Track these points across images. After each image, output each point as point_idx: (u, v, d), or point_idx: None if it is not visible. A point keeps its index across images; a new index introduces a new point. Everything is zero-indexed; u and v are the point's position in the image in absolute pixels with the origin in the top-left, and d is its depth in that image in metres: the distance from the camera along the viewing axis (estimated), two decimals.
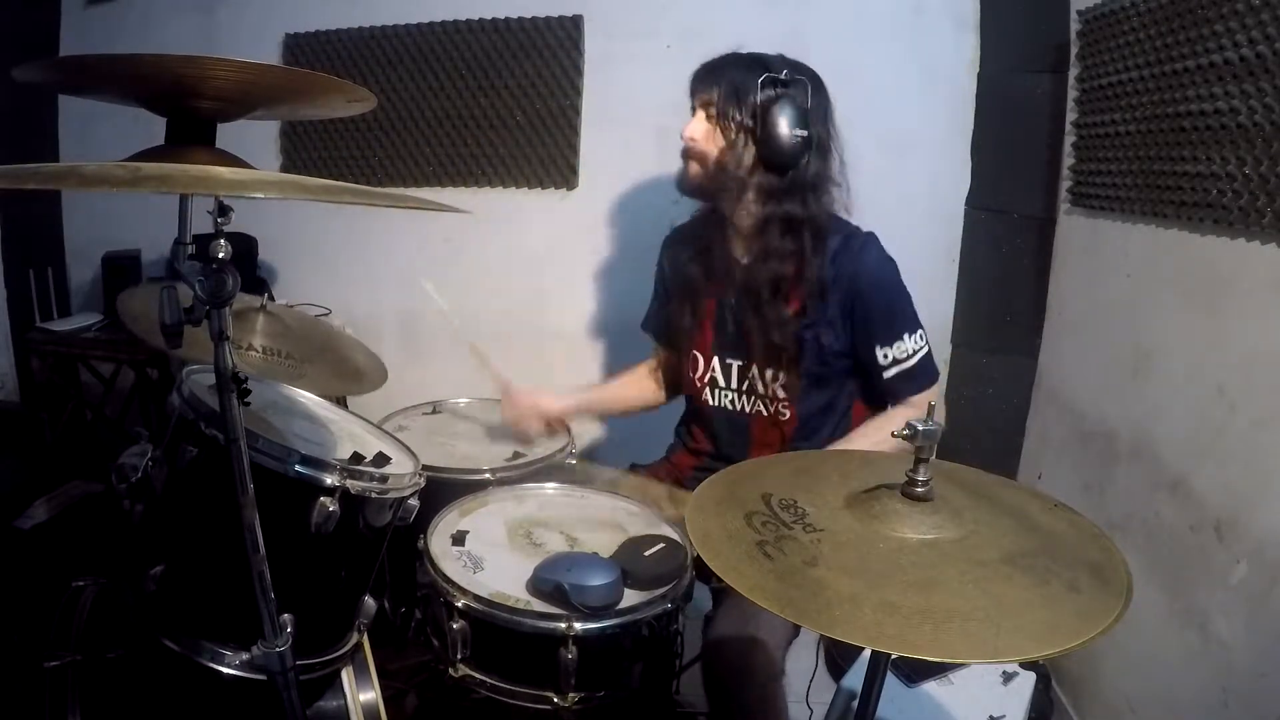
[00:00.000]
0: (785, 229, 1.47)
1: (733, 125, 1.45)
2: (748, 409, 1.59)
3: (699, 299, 1.61)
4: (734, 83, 1.44)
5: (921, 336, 1.50)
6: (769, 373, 1.54)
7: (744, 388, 1.58)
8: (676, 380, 1.77)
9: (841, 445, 1.49)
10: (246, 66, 0.81)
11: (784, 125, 1.42)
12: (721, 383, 1.61)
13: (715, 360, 1.60)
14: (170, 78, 0.84)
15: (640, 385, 1.84)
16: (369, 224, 2.72)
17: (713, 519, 0.90)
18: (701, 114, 1.49)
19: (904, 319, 1.49)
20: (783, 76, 1.43)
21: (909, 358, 1.48)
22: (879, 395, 1.55)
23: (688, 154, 1.51)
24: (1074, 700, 1.91)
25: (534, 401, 1.71)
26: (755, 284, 1.50)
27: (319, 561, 1.15)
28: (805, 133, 1.43)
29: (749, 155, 1.46)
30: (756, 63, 1.45)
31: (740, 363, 1.57)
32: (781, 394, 1.54)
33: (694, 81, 1.51)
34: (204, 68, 0.81)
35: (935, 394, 1.52)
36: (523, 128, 2.53)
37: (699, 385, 1.64)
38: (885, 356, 1.48)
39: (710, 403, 1.63)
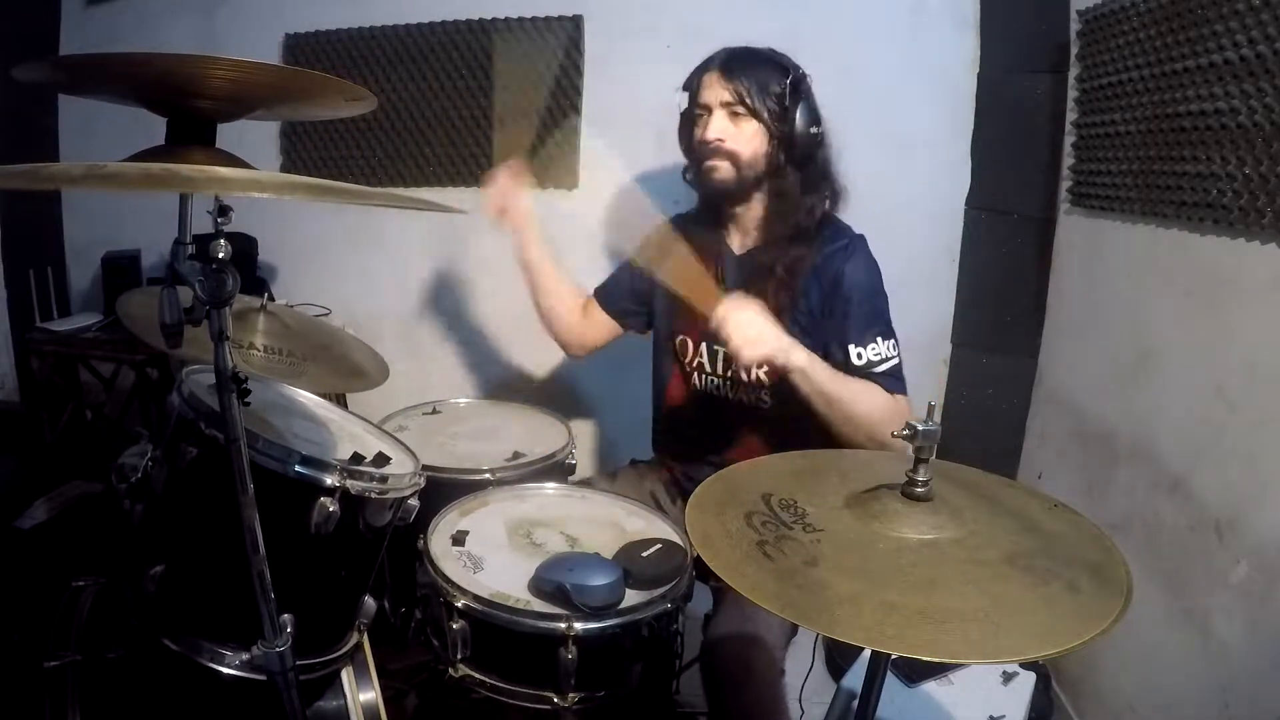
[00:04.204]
0: (790, 225, 1.48)
1: (761, 122, 1.45)
2: (730, 395, 1.60)
3: (695, 287, 1.61)
4: (760, 80, 1.44)
5: (895, 345, 1.46)
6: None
7: (728, 374, 1.59)
8: (586, 339, 1.82)
9: (816, 362, 1.38)
10: (246, 66, 0.81)
11: (806, 122, 1.44)
12: (709, 368, 1.62)
13: (704, 345, 1.61)
14: (170, 78, 0.84)
15: (574, 301, 1.81)
16: (369, 224, 2.72)
17: (713, 519, 0.90)
18: (722, 113, 1.47)
19: (880, 323, 1.46)
20: (798, 74, 1.45)
21: (882, 361, 1.44)
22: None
23: (715, 154, 1.48)
24: (1074, 700, 1.91)
25: (507, 191, 1.68)
26: (746, 275, 1.51)
27: (319, 561, 1.15)
28: (820, 129, 1.46)
29: (776, 153, 1.47)
30: (766, 59, 1.47)
31: (725, 349, 1.57)
32: (765, 380, 1.55)
33: (702, 82, 1.49)
34: (204, 68, 0.81)
35: (904, 407, 1.44)
36: (522, 128, 2.53)
37: (689, 369, 1.66)
38: (859, 356, 1.44)
39: (698, 386, 1.65)
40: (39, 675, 1.17)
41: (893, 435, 0.92)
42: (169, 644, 1.07)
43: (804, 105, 1.44)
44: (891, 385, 1.44)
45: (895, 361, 1.45)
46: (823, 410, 1.37)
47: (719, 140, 1.47)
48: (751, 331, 1.30)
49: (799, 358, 1.33)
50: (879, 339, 1.45)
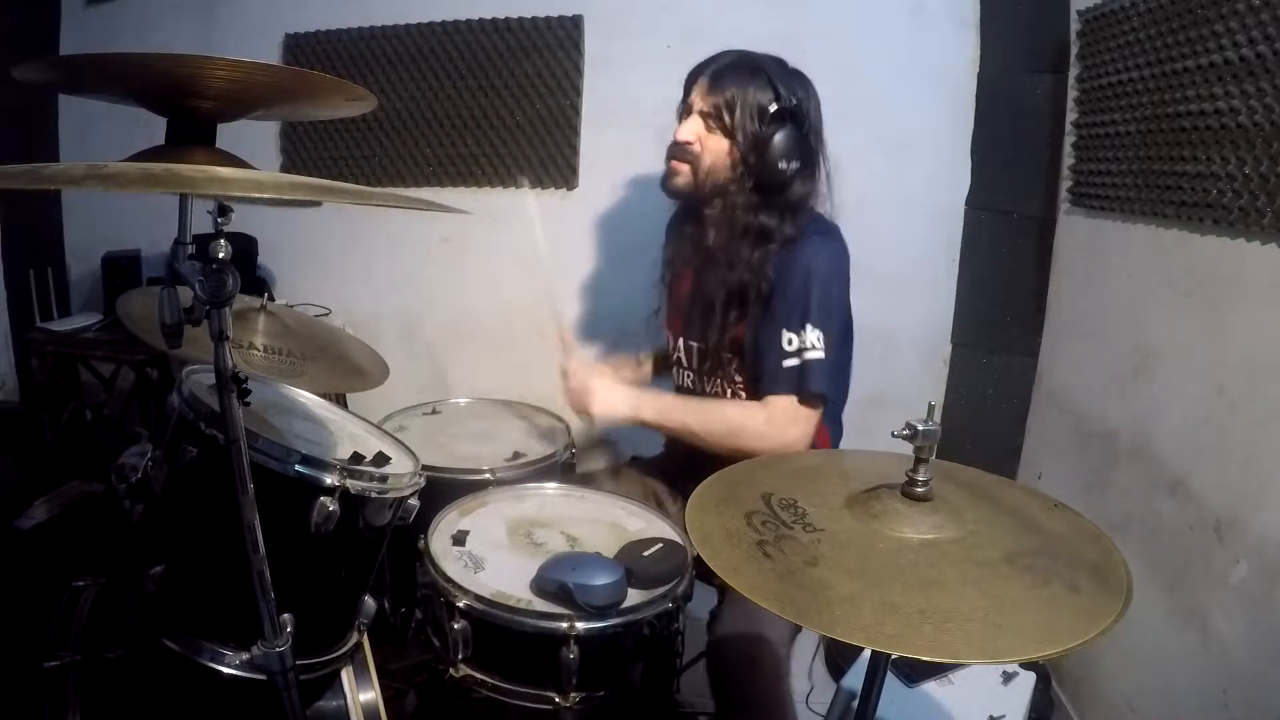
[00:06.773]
0: (758, 240, 1.46)
1: (731, 141, 1.43)
2: (707, 390, 1.60)
3: (676, 280, 1.63)
4: (743, 100, 1.41)
5: (822, 339, 1.40)
6: (723, 358, 1.55)
7: (704, 369, 1.59)
8: None
9: (672, 404, 1.52)
10: (246, 66, 0.81)
11: (781, 156, 1.41)
12: (685, 363, 1.62)
13: (681, 341, 1.62)
14: (170, 78, 0.84)
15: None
16: (369, 224, 2.72)
17: (713, 519, 0.90)
18: (698, 118, 1.46)
19: (819, 311, 1.40)
20: (788, 104, 1.40)
21: (811, 350, 1.40)
22: (765, 385, 1.46)
23: (678, 155, 1.48)
24: (1074, 700, 1.91)
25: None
26: (714, 278, 1.50)
27: (319, 561, 1.15)
28: (798, 164, 1.42)
29: (741, 172, 1.44)
30: (761, 77, 1.41)
31: (700, 346, 1.58)
32: (738, 379, 1.55)
33: (695, 83, 1.47)
34: (204, 68, 0.81)
35: (810, 416, 1.42)
36: (523, 128, 2.53)
37: (671, 363, 1.67)
38: (790, 342, 1.41)
39: (677, 382, 1.65)
40: (39, 675, 1.17)
41: (892, 435, 0.91)
42: (169, 644, 1.07)
43: (785, 140, 1.40)
44: (812, 384, 1.40)
45: (824, 358, 1.40)
46: (699, 442, 1.46)
47: (687, 142, 1.46)
48: (606, 402, 1.49)
49: (648, 414, 1.49)
50: (809, 327, 1.40)
